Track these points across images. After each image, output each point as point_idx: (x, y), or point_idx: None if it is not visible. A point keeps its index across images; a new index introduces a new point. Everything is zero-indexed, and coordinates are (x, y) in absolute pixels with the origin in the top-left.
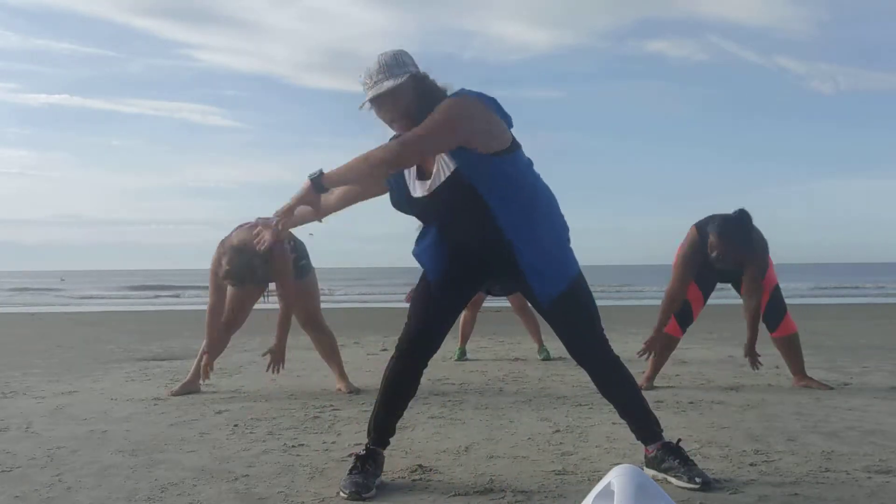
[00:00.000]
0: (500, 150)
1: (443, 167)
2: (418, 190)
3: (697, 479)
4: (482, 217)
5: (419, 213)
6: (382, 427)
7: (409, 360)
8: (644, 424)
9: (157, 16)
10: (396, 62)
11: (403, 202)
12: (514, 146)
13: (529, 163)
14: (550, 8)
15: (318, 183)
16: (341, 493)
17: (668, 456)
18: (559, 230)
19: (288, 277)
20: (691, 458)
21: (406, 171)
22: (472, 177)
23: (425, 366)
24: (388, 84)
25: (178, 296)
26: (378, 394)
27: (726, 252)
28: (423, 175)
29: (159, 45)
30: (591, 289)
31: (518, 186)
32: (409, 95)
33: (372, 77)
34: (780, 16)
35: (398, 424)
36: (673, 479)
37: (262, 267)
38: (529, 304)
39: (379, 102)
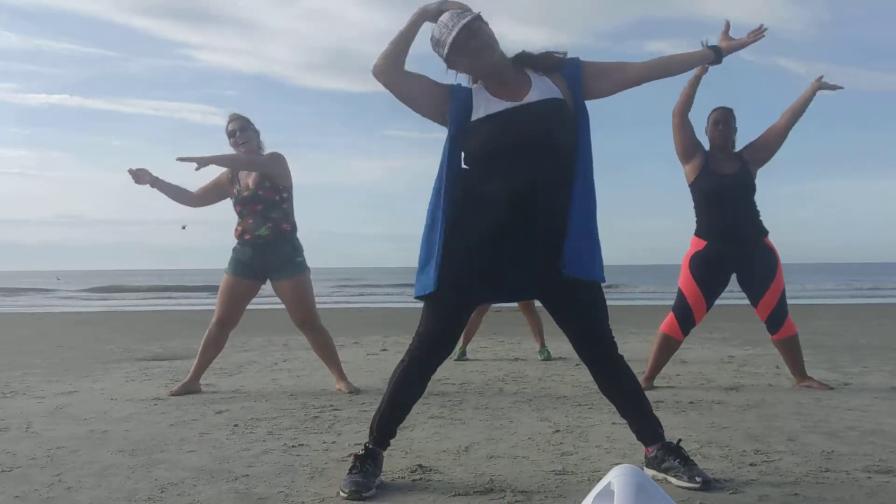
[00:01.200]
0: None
1: (548, 87)
2: (502, 104)
3: (698, 479)
4: (563, 155)
5: (493, 131)
6: (386, 429)
7: (423, 366)
8: (645, 425)
9: (157, 16)
10: None
11: (465, 124)
12: None
13: None
14: (549, 7)
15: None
16: (341, 493)
17: (668, 456)
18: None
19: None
20: (691, 458)
21: (476, 95)
22: (582, 123)
23: (435, 371)
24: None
25: (170, 297)
26: (385, 395)
27: (727, 116)
28: (503, 95)
29: (159, 45)
30: None
31: (591, 162)
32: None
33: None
34: (779, 16)
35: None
36: (673, 479)
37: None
38: (535, 304)
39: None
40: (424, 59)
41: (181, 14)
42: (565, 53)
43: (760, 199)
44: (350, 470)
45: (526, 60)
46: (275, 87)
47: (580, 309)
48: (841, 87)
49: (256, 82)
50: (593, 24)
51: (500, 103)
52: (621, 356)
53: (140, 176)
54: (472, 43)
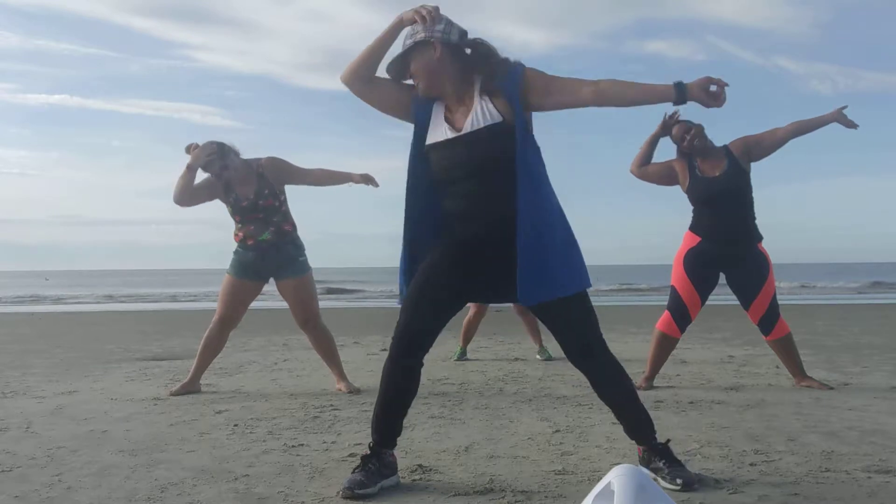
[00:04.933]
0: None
1: (485, 112)
2: (447, 132)
3: (678, 480)
4: (504, 180)
5: (438, 160)
6: (380, 428)
7: (401, 360)
8: (636, 425)
9: (157, 16)
10: None
11: (423, 140)
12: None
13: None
14: (548, 8)
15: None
16: (341, 491)
17: (654, 457)
18: (571, 233)
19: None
20: (678, 459)
21: (434, 113)
22: (519, 138)
23: (419, 365)
24: None
25: (169, 298)
26: (377, 396)
27: (689, 128)
28: (449, 119)
29: (159, 46)
30: (592, 289)
31: (540, 170)
32: None
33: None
34: (778, 16)
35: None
36: (659, 480)
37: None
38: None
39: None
40: None
41: (181, 14)
42: (517, 61)
43: (758, 199)
44: (354, 469)
45: (475, 66)
46: (274, 87)
47: (557, 325)
48: (856, 126)
49: (256, 82)
50: (592, 24)
51: (444, 131)
52: (612, 358)
53: (197, 154)
54: (412, 66)
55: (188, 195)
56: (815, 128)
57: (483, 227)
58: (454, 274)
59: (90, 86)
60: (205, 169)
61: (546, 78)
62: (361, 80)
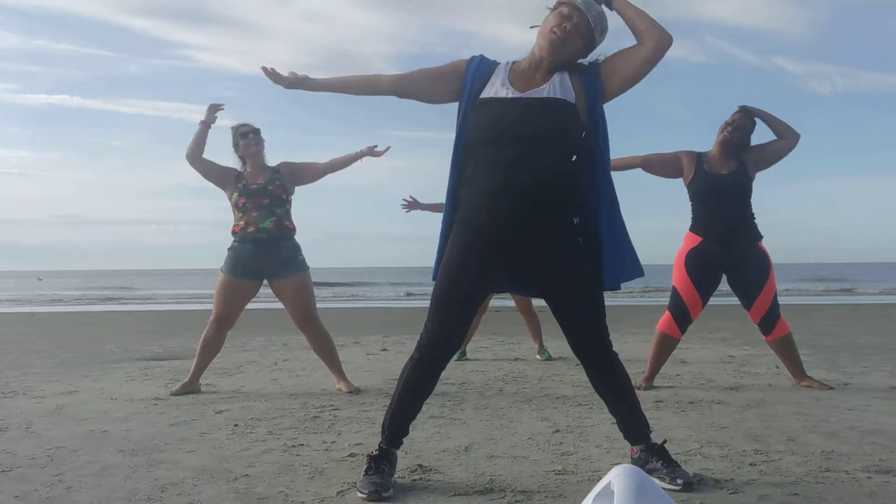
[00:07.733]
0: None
1: (565, 88)
2: (506, 92)
3: (679, 481)
4: (563, 154)
5: (492, 114)
6: (398, 428)
7: (433, 363)
8: (632, 424)
9: (157, 16)
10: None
11: (476, 98)
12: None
13: None
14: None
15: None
16: (359, 494)
17: (651, 457)
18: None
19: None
20: (674, 459)
21: (493, 76)
22: (591, 120)
23: (445, 367)
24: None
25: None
26: (395, 394)
27: (744, 120)
28: (518, 83)
29: (159, 46)
30: None
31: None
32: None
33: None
34: (777, 17)
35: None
36: (657, 481)
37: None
38: (533, 305)
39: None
40: (423, 60)
41: (180, 15)
42: (597, 60)
43: (757, 199)
44: (366, 471)
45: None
46: (275, 88)
47: (584, 308)
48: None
49: (256, 82)
50: None
51: (509, 90)
52: (616, 353)
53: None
54: (577, 18)
55: (199, 153)
56: (767, 119)
57: (518, 204)
58: (478, 267)
59: (90, 86)
60: (243, 132)
61: (609, 58)
62: (399, 86)
